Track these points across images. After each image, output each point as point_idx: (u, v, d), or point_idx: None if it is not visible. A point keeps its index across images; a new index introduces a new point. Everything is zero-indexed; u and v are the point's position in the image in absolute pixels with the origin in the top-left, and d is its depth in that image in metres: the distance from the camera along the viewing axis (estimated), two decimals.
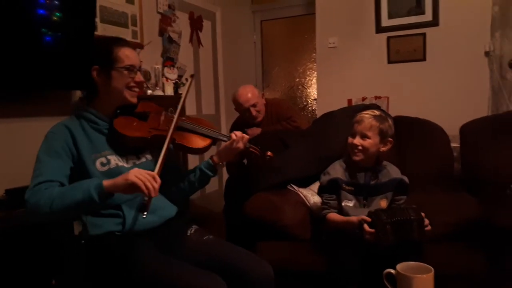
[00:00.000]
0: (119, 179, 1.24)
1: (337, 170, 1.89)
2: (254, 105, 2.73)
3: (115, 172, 1.38)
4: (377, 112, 1.88)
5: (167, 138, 1.40)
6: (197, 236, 1.52)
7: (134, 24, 3.02)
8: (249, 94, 2.73)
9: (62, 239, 1.95)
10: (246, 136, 1.59)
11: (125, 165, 1.44)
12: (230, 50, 4.37)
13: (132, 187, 1.21)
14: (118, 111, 1.47)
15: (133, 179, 1.20)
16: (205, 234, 1.53)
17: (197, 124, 1.59)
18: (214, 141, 1.58)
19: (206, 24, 4.08)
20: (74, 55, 2.23)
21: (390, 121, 1.88)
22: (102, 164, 1.39)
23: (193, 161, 3.07)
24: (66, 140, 1.36)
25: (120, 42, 1.47)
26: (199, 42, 3.96)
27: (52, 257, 1.91)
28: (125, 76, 1.42)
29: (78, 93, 2.48)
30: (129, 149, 1.47)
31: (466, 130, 2.40)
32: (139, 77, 1.47)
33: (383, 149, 1.85)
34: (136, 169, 1.26)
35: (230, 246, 1.49)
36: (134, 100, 1.49)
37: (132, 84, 1.45)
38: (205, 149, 1.57)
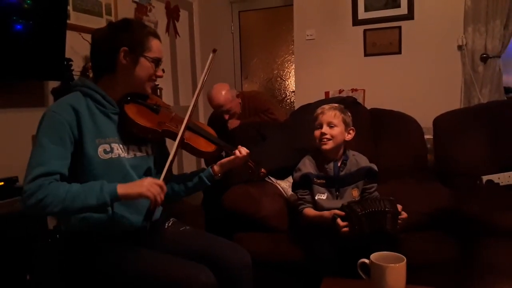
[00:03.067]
0: (133, 191, 1.26)
1: (307, 165, 1.91)
2: (226, 111, 2.73)
3: (115, 162, 1.35)
4: (335, 104, 1.95)
5: (177, 140, 1.39)
6: (174, 228, 1.52)
7: (109, 13, 2.95)
8: (221, 99, 2.71)
9: (36, 233, 1.91)
10: (248, 152, 1.58)
11: (126, 155, 1.40)
12: (207, 40, 4.33)
13: (143, 198, 1.27)
14: (129, 97, 1.42)
15: (147, 194, 1.26)
16: (182, 226, 1.54)
17: (203, 129, 1.59)
18: (219, 149, 1.57)
19: (183, 14, 4.02)
20: (46, 44, 2.17)
21: (348, 112, 1.94)
22: (105, 152, 1.34)
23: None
24: (71, 124, 1.28)
25: (154, 32, 1.44)
26: (176, 32, 3.90)
27: (26, 252, 1.87)
28: (150, 67, 1.40)
29: (51, 84, 2.41)
30: (133, 138, 1.43)
31: (439, 122, 2.45)
32: (160, 71, 1.44)
33: (348, 137, 1.90)
34: (148, 180, 1.29)
35: (207, 235, 1.50)
36: (150, 91, 1.47)
37: (154, 77, 1.43)
38: (210, 154, 1.56)
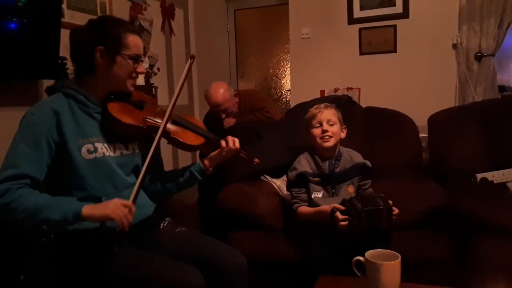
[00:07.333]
0: (98, 213, 1.22)
1: (302, 163, 1.92)
2: (223, 110, 2.71)
3: (101, 162, 1.34)
4: (328, 103, 1.97)
5: (156, 138, 1.35)
6: (170, 229, 1.51)
7: (103, 12, 2.93)
8: (219, 98, 2.68)
9: (30, 233, 1.90)
10: (237, 141, 1.56)
11: (112, 154, 1.39)
12: (203, 39, 4.32)
13: (108, 220, 1.24)
14: (112, 96, 1.41)
15: (112, 216, 1.21)
16: (178, 226, 1.53)
17: (191, 122, 1.57)
18: (208, 141, 1.55)
19: (178, 12, 4.01)
20: (40, 43, 2.15)
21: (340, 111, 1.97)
22: (89, 152, 1.33)
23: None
24: (49, 128, 1.28)
25: (131, 28, 1.40)
26: (171, 31, 3.89)
27: (19, 251, 1.86)
28: (129, 64, 1.37)
29: (45, 83, 2.40)
30: (119, 137, 1.41)
31: (434, 120, 2.46)
32: (141, 67, 1.43)
33: (342, 135, 1.92)
34: (115, 201, 1.24)
35: (203, 237, 1.49)
36: (132, 89, 1.45)
37: (134, 74, 1.41)
38: (199, 147, 1.55)
